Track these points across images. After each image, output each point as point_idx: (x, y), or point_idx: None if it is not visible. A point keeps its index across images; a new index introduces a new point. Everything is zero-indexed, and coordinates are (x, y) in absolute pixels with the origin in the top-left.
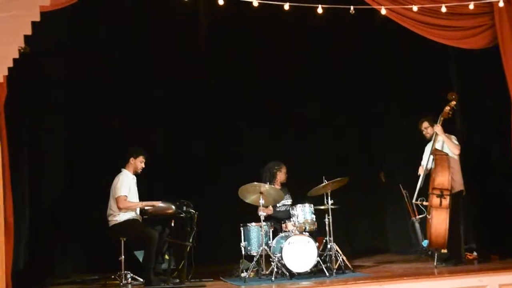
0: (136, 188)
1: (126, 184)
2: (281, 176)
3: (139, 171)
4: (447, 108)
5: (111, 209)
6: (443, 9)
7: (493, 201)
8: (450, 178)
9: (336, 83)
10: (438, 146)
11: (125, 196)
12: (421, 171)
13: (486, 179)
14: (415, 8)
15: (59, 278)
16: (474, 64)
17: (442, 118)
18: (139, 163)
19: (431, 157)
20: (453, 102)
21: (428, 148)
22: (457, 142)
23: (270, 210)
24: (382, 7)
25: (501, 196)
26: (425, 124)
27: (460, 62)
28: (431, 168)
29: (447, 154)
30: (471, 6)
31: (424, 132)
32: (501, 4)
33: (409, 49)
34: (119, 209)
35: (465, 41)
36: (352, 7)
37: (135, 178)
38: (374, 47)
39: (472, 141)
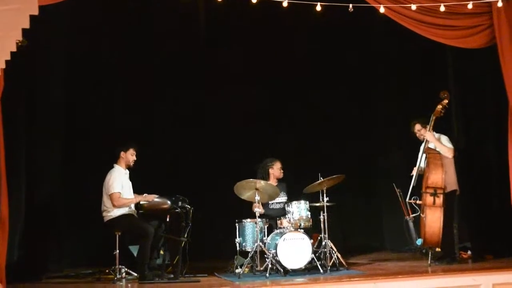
0: (129, 183)
1: (118, 181)
2: (274, 172)
3: (131, 164)
4: (439, 107)
5: (105, 205)
6: (442, 8)
7: (488, 200)
8: (443, 176)
9: (334, 82)
10: (431, 145)
11: (119, 193)
12: (415, 170)
13: (482, 179)
14: (413, 7)
15: (53, 271)
16: (472, 63)
17: (434, 117)
18: (130, 156)
19: (424, 155)
20: (445, 101)
21: (422, 148)
22: (449, 144)
23: (261, 209)
24: (381, 5)
25: (496, 196)
26: (418, 127)
27: (458, 61)
28: (424, 167)
29: (439, 153)
30: (470, 6)
31: (417, 135)
32: (499, 4)
33: (407, 49)
34: (114, 206)
35: (464, 40)
36: (351, 5)
37: (127, 172)
38: (373, 47)
39: (467, 140)
